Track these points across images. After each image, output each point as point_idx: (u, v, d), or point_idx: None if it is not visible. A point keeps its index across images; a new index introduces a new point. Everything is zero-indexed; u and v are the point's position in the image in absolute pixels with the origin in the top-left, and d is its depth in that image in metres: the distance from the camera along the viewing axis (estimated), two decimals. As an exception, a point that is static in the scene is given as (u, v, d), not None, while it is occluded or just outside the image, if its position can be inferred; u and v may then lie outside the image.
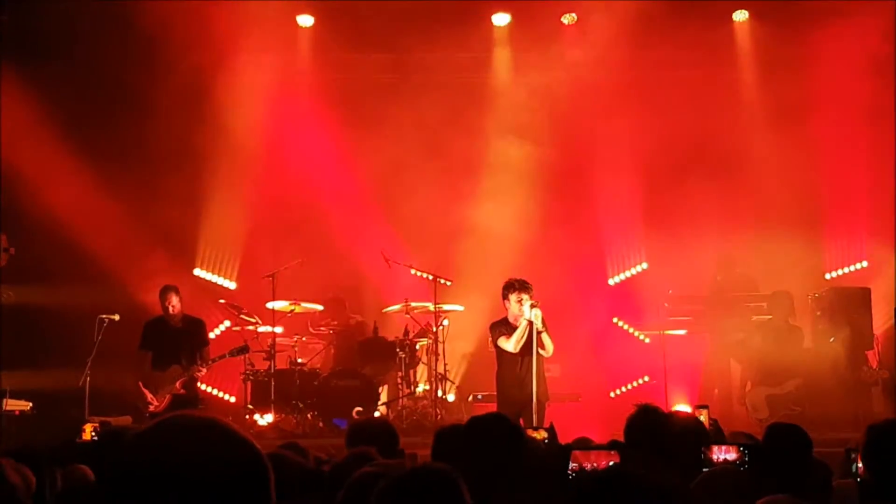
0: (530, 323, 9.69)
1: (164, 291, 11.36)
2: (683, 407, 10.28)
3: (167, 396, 11.00)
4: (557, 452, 4.29)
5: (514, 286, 9.83)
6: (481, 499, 3.10)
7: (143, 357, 11.29)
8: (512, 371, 9.95)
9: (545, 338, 9.77)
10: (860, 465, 4.36)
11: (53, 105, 12.96)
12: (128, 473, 1.73)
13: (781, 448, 4.84)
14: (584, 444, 5.15)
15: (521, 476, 3.90)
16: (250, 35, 13.17)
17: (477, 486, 3.02)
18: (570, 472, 4.17)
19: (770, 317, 11.91)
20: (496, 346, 10.04)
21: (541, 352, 9.74)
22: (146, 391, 10.99)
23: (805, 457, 4.88)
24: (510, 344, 9.81)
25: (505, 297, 9.87)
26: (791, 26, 13.43)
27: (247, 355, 12.10)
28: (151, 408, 10.93)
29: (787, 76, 13.80)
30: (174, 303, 11.32)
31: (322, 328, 12.88)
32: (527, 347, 9.77)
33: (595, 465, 4.23)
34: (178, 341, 11.29)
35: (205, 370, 11.29)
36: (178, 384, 10.99)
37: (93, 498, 4.50)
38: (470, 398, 12.22)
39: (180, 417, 1.81)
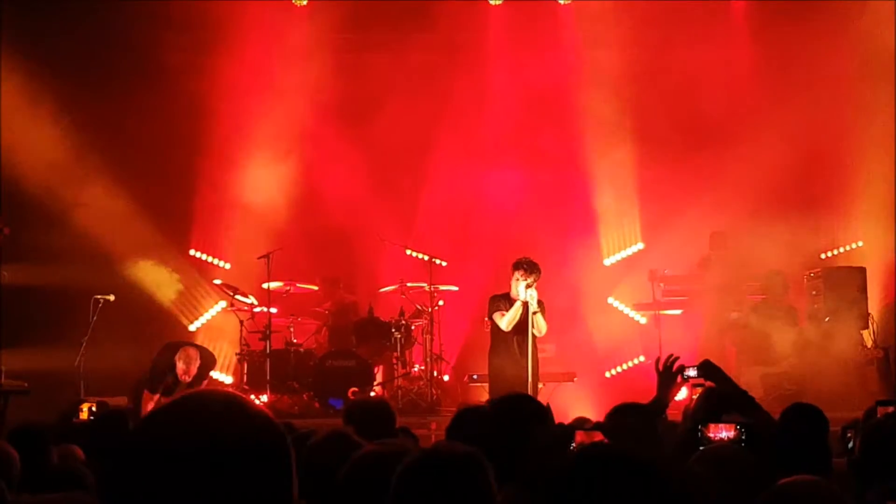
0: (525, 304, 9.76)
1: (185, 361, 11.00)
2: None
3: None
4: (560, 432, 4.29)
5: (521, 266, 9.89)
6: (504, 480, 3.11)
7: (147, 398, 11.00)
8: (505, 348, 10.01)
9: (539, 319, 9.83)
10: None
11: (49, 84, 12.91)
12: (145, 450, 1.68)
13: (800, 429, 4.85)
14: (581, 424, 5.16)
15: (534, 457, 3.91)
16: (246, 14, 13.11)
17: (500, 467, 3.02)
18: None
19: (764, 296, 11.94)
20: (491, 320, 10.11)
21: (533, 332, 9.80)
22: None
23: (824, 439, 4.90)
24: (503, 322, 9.89)
25: (512, 272, 9.96)
26: (787, 5, 13.41)
27: (242, 336, 12.12)
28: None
29: (782, 55, 13.80)
30: (191, 371, 10.99)
31: (317, 309, 12.90)
32: (520, 327, 9.84)
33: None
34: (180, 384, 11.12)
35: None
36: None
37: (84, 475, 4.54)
38: (466, 378, 12.24)
39: (199, 394, 1.77)
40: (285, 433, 1.78)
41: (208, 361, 11.49)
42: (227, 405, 1.74)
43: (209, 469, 1.65)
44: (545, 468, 2.08)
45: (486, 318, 10.36)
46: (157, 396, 11.02)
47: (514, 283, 9.92)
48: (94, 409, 8.58)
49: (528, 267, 9.87)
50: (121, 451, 1.70)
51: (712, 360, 5.67)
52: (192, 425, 1.70)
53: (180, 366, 11.02)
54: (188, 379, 11.09)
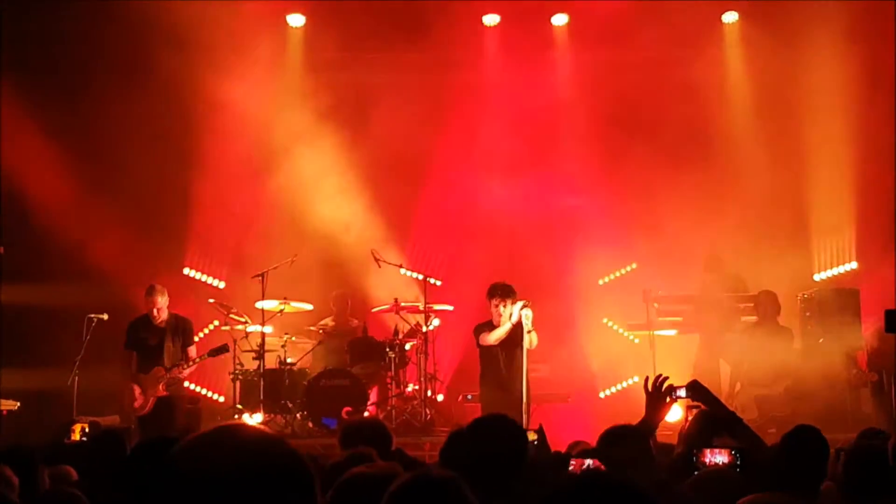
0: (515, 325, 9.81)
1: (149, 293, 10.98)
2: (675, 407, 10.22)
3: (151, 399, 10.81)
4: (554, 460, 4.29)
5: (496, 291, 9.95)
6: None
7: (129, 357, 11.07)
8: (496, 372, 10.03)
9: (533, 335, 9.87)
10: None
11: (43, 104, 12.92)
12: (178, 483, 1.79)
13: (802, 452, 4.86)
14: (581, 449, 5.16)
15: (522, 479, 3.90)
16: (241, 34, 13.14)
17: (483, 488, 3.01)
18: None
19: (757, 317, 11.93)
20: (479, 347, 10.16)
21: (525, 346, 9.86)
22: (136, 390, 10.80)
23: (824, 463, 4.90)
24: (491, 336, 9.93)
25: (488, 300, 10.02)
26: (781, 27, 13.46)
27: (236, 355, 12.07)
28: (137, 408, 10.78)
29: (776, 76, 13.85)
30: (159, 305, 10.94)
31: (312, 327, 12.88)
32: (510, 346, 9.88)
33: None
34: (162, 342, 10.98)
35: (187, 371, 11.06)
36: (160, 387, 10.79)
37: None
38: (460, 398, 12.22)
39: (229, 426, 1.90)
40: (308, 462, 1.90)
41: (184, 322, 11.32)
42: (255, 435, 1.88)
43: (245, 495, 1.78)
44: (541, 493, 2.09)
45: (478, 346, 10.42)
46: (134, 354, 10.96)
47: (494, 311, 9.99)
48: (86, 429, 8.56)
49: (503, 291, 9.97)
50: (159, 478, 1.82)
51: (707, 381, 5.67)
52: (227, 454, 1.82)
53: (147, 301, 10.95)
54: (161, 317, 10.99)
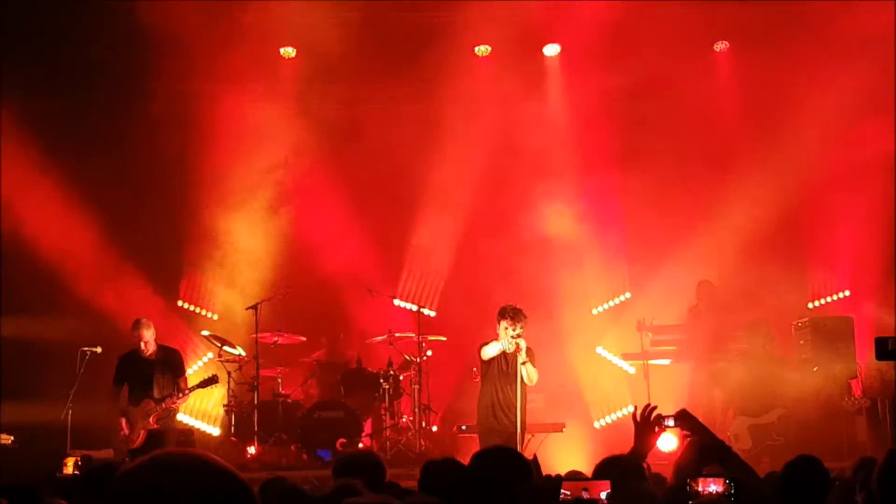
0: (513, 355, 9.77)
1: (135, 328, 10.91)
2: (670, 437, 10.19)
3: (142, 432, 10.62)
4: (548, 484, 4.28)
5: (506, 314, 9.83)
6: None
7: (117, 391, 10.91)
8: (491, 401, 9.97)
9: (529, 367, 9.79)
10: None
11: (36, 137, 12.92)
12: None
13: (804, 483, 4.85)
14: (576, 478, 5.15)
15: None
16: (234, 65, 13.18)
17: None
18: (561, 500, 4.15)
19: (749, 346, 11.93)
20: (481, 368, 10.07)
21: (525, 381, 9.78)
22: (124, 426, 10.68)
23: (825, 492, 4.89)
24: (484, 351, 9.82)
25: (497, 321, 9.94)
26: (772, 54, 13.54)
27: (230, 387, 12.04)
28: (123, 437, 10.65)
29: (769, 105, 13.91)
30: (147, 338, 10.85)
31: (305, 360, 12.86)
32: (507, 377, 9.81)
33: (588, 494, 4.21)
34: (151, 374, 10.84)
35: (178, 403, 10.91)
36: (151, 419, 10.69)
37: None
38: (455, 429, 12.19)
39: (169, 454, 1.83)
40: (252, 490, 1.84)
41: (173, 354, 11.21)
42: (195, 465, 1.82)
43: None
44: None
45: (474, 369, 10.34)
46: (124, 388, 10.85)
47: (503, 333, 9.88)
48: (79, 462, 8.52)
49: (514, 314, 9.81)
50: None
51: (700, 410, 5.66)
52: (161, 486, 1.77)
53: (133, 335, 10.87)
54: (149, 349, 10.89)
